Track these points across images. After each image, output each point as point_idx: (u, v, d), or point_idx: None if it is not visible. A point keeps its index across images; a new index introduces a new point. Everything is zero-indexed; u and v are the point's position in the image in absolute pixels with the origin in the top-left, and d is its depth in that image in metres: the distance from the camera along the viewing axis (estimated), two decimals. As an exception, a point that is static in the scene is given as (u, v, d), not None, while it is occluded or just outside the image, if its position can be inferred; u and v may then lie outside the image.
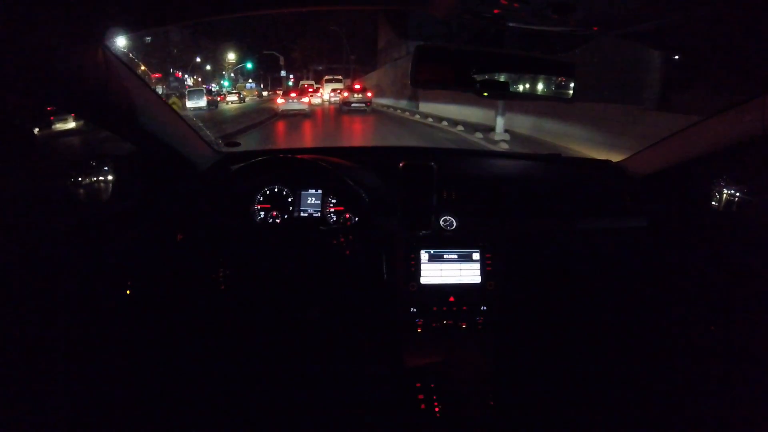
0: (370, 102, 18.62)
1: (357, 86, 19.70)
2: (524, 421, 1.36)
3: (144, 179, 1.39)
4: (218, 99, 22.03)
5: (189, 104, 18.47)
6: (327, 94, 25.10)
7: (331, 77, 29.66)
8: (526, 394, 1.42)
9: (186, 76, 30.29)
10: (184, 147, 1.34)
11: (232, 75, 38.32)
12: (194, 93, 19.20)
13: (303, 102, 15.82)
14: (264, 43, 35.27)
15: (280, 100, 16.54)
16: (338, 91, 22.67)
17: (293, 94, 16.42)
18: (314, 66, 39.39)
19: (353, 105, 18.04)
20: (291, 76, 38.06)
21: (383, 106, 21.73)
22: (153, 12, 0.83)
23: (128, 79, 0.99)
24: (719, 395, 1.33)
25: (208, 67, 35.02)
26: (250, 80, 39.55)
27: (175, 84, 27.44)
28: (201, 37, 30.79)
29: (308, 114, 15.70)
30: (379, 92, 22.88)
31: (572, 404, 1.43)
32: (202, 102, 18.68)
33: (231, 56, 35.20)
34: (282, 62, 36.06)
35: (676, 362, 1.47)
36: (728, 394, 1.32)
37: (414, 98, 17.93)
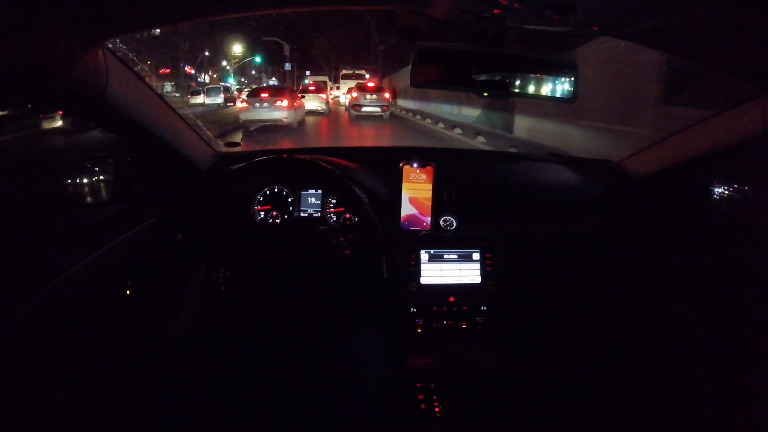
0: (387, 107, 13.65)
1: (370, 84, 14.47)
2: (524, 421, 1.36)
3: (144, 179, 1.39)
4: (235, 96, 22.12)
5: (207, 101, 18.77)
6: (343, 94, 18.14)
7: (350, 71, 21.75)
8: (526, 394, 1.42)
9: (195, 72, 28.12)
10: (184, 147, 1.34)
11: (253, 72, 34.95)
12: (212, 90, 20.27)
13: (280, 107, 10.23)
14: (275, 36, 28.24)
15: (240, 104, 10.95)
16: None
17: (264, 95, 10.43)
18: (339, 63, 29.22)
19: (364, 109, 13.12)
20: (307, 72, 28.75)
21: (418, 115, 14.28)
22: (153, 12, 0.83)
23: (128, 79, 0.99)
24: (719, 395, 1.33)
25: (224, 63, 31.20)
26: (273, 78, 34.66)
27: (186, 81, 26.34)
28: (207, 28, 26.80)
29: (292, 126, 10.53)
30: (420, 94, 15.47)
31: (572, 404, 1.43)
32: (220, 99, 19.28)
33: (237, 49, 30.35)
34: (287, 51, 27.40)
35: (676, 362, 1.47)
36: (728, 394, 1.32)
37: (502, 107, 9.11)
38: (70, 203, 1.18)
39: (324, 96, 15.10)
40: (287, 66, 29.01)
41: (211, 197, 1.38)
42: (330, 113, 15.16)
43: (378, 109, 13.22)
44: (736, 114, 1.15)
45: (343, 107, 16.06)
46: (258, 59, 29.87)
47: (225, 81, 29.17)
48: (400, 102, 17.57)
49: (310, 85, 17.03)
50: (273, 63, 32.23)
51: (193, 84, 24.62)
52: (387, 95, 13.69)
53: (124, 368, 1.20)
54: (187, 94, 20.77)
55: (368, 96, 13.14)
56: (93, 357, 1.07)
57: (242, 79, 33.67)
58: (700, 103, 3.98)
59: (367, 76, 21.38)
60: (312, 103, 14.12)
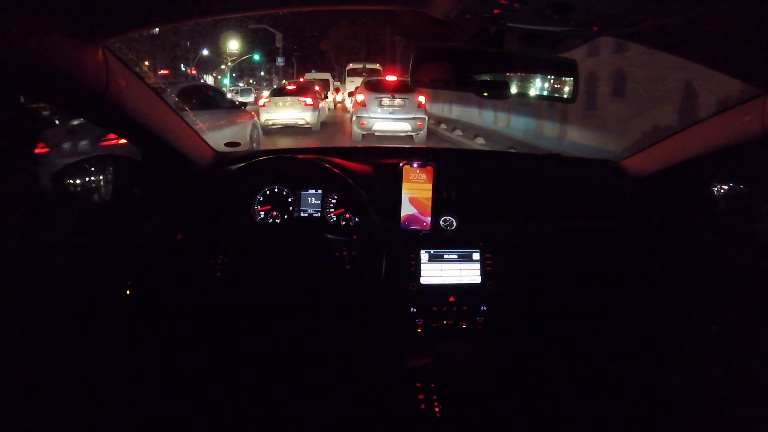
0: (423, 122, 7.56)
1: (390, 78, 8.35)
2: (524, 421, 1.36)
3: (144, 179, 1.39)
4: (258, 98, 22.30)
5: (241, 99, 18.43)
6: (348, 97, 12.69)
7: (359, 66, 16.28)
8: (526, 394, 1.42)
9: (198, 73, 25.69)
10: (184, 147, 1.34)
11: (262, 73, 32.67)
12: (245, 91, 22.05)
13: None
14: (276, 29, 23.92)
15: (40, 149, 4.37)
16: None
17: None
18: (351, 60, 21.41)
19: (378, 127, 7.40)
20: (313, 71, 22.79)
21: (480, 136, 9.32)
22: (153, 12, 0.83)
23: (129, 79, 0.99)
24: (720, 395, 1.33)
25: (229, 63, 27.70)
26: (284, 81, 30.06)
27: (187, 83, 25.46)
28: (205, 26, 23.97)
29: None
30: (461, 97, 9.98)
31: (572, 404, 1.43)
32: (251, 98, 20.44)
33: (234, 46, 26.67)
34: (279, 42, 22.62)
35: (676, 362, 1.47)
36: (728, 394, 1.32)
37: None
38: (70, 203, 1.18)
39: (309, 100, 9.45)
40: (279, 61, 24.20)
41: (211, 197, 1.38)
42: (321, 127, 10.04)
43: (407, 126, 7.33)
44: (736, 114, 1.15)
45: (350, 116, 9.54)
46: (256, 57, 26.30)
47: (221, 83, 26.92)
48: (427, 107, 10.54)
49: (288, 84, 12.28)
50: (272, 59, 27.65)
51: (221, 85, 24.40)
52: (422, 99, 7.53)
53: (124, 368, 1.20)
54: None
55: (387, 101, 7.27)
56: (93, 357, 1.07)
57: (250, 81, 30.67)
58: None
59: (380, 71, 15.83)
60: (285, 112, 9.29)
